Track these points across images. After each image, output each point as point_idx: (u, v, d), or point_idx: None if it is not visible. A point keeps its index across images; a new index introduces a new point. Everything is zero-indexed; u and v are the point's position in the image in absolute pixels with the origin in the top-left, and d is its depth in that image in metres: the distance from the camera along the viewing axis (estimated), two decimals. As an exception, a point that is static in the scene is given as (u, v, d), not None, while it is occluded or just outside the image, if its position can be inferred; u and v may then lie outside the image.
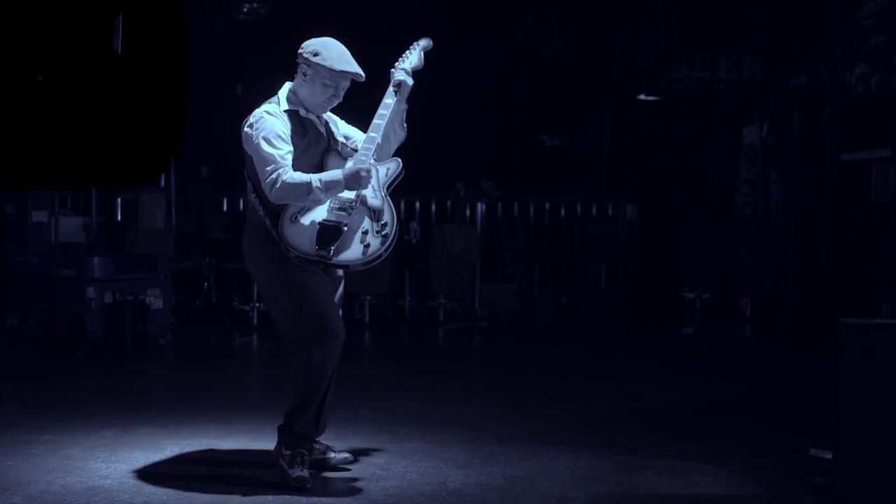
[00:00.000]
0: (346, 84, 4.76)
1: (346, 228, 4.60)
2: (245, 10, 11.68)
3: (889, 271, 9.43)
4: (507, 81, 14.22)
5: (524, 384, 7.52)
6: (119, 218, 11.60)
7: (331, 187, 4.60)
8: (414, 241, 11.20)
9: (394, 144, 4.93)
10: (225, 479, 4.81)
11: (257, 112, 4.71)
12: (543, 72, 14.22)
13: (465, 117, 13.73)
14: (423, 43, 5.03)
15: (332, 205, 4.65)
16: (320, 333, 4.68)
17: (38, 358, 8.19)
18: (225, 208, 12.17)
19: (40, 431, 5.61)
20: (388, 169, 4.82)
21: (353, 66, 4.72)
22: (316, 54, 4.68)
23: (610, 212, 13.13)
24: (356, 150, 4.82)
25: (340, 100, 4.80)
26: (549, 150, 14.75)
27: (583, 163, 14.61)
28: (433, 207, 12.48)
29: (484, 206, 12.35)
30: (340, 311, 4.92)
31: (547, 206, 13.03)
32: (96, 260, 8.51)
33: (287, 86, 4.82)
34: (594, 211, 13.12)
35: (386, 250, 4.64)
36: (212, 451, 5.29)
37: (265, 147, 4.60)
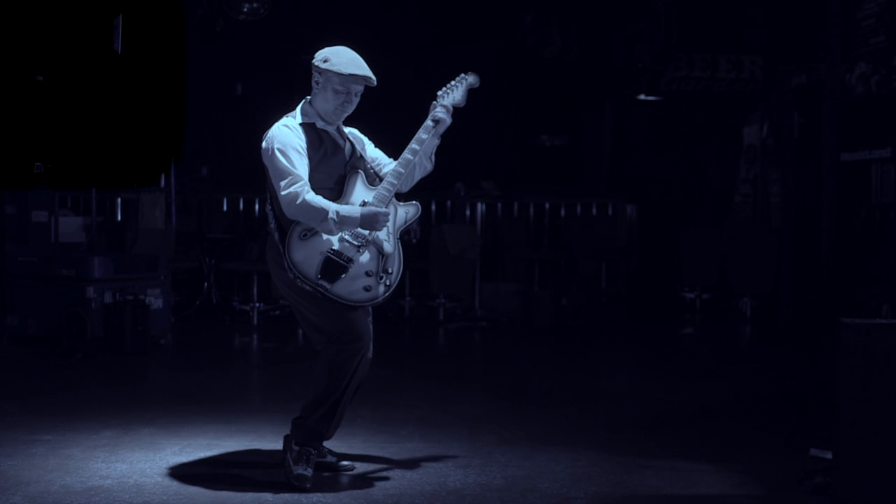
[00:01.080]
0: (358, 89, 4.75)
1: (352, 265, 4.61)
2: (245, 10, 11.67)
3: (889, 271, 9.43)
4: (507, 81, 14.23)
5: (524, 384, 7.53)
6: (119, 218, 11.61)
7: (345, 223, 4.59)
8: (414, 241, 11.21)
9: (418, 175, 4.94)
10: (225, 479, 4.81)
11: (274, 126, 4.74)
12: (543, 72, 14.22)
13: (464, 117, 13.72)
14: (471, 80, 4.98)
15: (345, 235, 4.64)
16: (343, 333, 4.68)
17: (38, 358, 8.19)
18: (225, 208, 12.17)
19: (40, 431, 5.61)
20: (407, 212, 4.84)
21: (363, 70, 4.72)
22: (325, 61, 4.71)
23: (610, 212, 13.13)
24: (381, 177, 4.82)
25: (354, 106, 4.79)
26: (549, 150, 14.75)
27: (583, 163, 14.61)
28: (433, 207, 12.48)
29: (484, 206, 12.35)
30: (370, 318, 4.89)
31: (547, 206, 13.03)
32: (96, 260, 8.51)
33: (306, 98, 4.84)
34: (594, 211, 13.12)
35: (385, 299, 4.71)
36: (212, 451, 5.29)
37: (280, 159, 4.61)
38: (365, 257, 4.65)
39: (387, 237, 4.73)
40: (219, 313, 10.59)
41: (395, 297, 11.14)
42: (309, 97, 4.83)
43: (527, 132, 14.50)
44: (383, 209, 4.65)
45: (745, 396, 7.07)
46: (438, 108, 4.85)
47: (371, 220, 4.61)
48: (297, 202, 4.55)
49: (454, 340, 10.05)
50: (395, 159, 4.93)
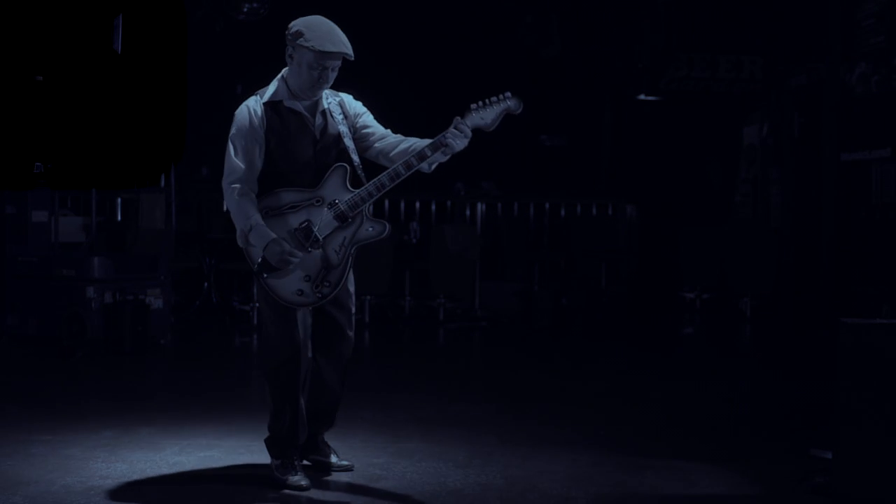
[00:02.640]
0: (335, 64, 4.52)
1: (289, 266, 4.47)
2: (245, 10, 11.68)
3: (889, 271, 9.44)
4: (507, 81, 14.22)
5: (524, 384, 7.53)
6: (119, 218, 11.60)
7: (254, 241, 4.47)
8: (414, 241, 11.21)
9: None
10: (225, 479, 4.81)
11: (244, 103, 4.61)
12: (543, 72, 14.23)
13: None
14: (511, 104, 4.53)
15: (297, 232, 4.50)
16: (279, 343, 4.65)
17: (38, 358, 8.19)
18: (225, 208, 12.14)
19: (40, 431, 5.61)
20: (370, 230, 4.58)
21: (339, 46, 4.48)
22: (299, 35, 4.49)
23: (610, 212, 13.14)
24: (369, 155, 4.69)
25: (330, 82, 4.56)
26: (549, 150, 14.76)
27: (583, 163, 14.61)
28: (433, 207, 12.48)
29: (484, 206, 12.36)
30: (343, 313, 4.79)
31: (547, 206, 13.04)
32: (96, 260, 8.51)
33: (283, 69, 4.65)
34: (594, 211, 13.13)
35: (314, 305, 4.58)
36: (212, 451, 5.29)
37: (231, 150, 4.54)
38: (309, 260, 4.51)
39: (337, 249, 4.54)
40: (219, 313, 10.59)
41: (396, 296, 11.14)
42: (286, 69, 4.63)
43: (527, 132, 14.50)
44: (289, 250, 4.42)
45: (745, 396, 7.07)
46: (456, 133, 4.46)
47: (274, 253, 4.42)
48: (231, 196, 4.52)
49: (454, 340, 10.06)
50: (393, 132, 4.72)
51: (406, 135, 4.74)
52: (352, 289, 4.79)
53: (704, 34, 12.41)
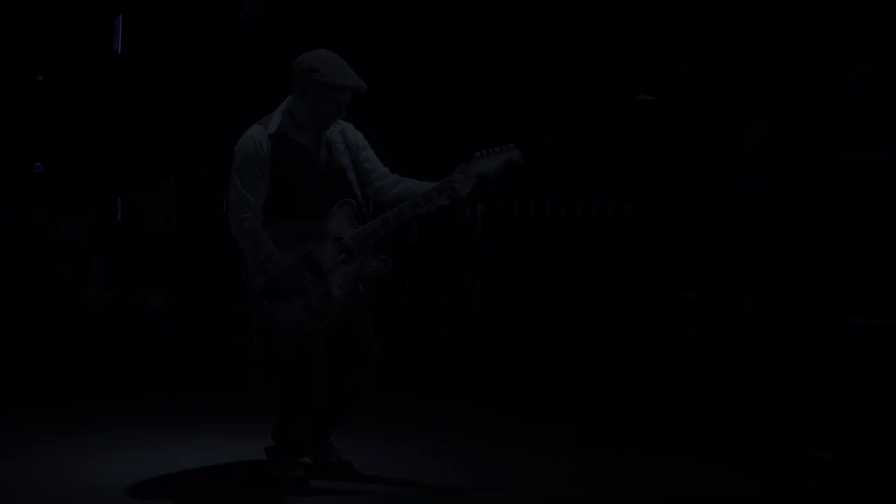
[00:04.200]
0: (347, 97, 4.58)
1: (307, 291, 4.50)
2: (245, 10, 11.67)
3: (889, 271, 9.42)
4: (507, 81, 14.22)
5: (524, 384, 7.52)
6: (119, 218, 11.59)
7: (269, 270, 4.49)
8: (414, 241, 11.20)
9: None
10: (225, 479, 4.81)
11: (245, 133, 4.60)
12: (543, 72, 14.22)
13: (464, 117, 13.74)
14: (515, 154, 4.63)
15: (301, 263, 4.52)
16: (282, 372, 4.66)
17: (38, 358, 8.19)
18: (225, 208, 12.13)
19: (40, 431, 5.61)
20: (374, 265, 4.63)
21: (355, 80, 4.54)
22: (314, 71, 4.51)
23: (610, 212, 13.13)
24: (370, 193, 4.70)
25: (343, 114, 4.62)
26: (549, 150, 14.75)
27: (583, 163, 14.60)
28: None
29: (484, 206, 12.35)
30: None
31: (547, 206, 13.03)
32: (96, 260, 8.51)
33: (287, 100, 4.66)
34: (594, 211, 13.12)
35: (311, 335, 4.57)
36: (212, 451, 5.29)
37: (237, 180, 4.52)
38: (312, 289, 4.53)
39: (340, 283, 4.56)
40: (219, 313, 10.58)
41: (395, 297, 11.13)
42: (290, 98, 4.64)
43: (527, 132, 14.49)
44: (308, 277, 4.48)
45: (745, 396, 7.06)
46: (462, 180, 4.55)
47: (292, 279, 4.48)
48: (242, 227, 4.49)
49: (454, 341, 10.05)
50: (390, 169, 4.76)
51: (401, 146, 4.78)
52: (362, 287, 4.77)
53: (704, 34, 12.40)
